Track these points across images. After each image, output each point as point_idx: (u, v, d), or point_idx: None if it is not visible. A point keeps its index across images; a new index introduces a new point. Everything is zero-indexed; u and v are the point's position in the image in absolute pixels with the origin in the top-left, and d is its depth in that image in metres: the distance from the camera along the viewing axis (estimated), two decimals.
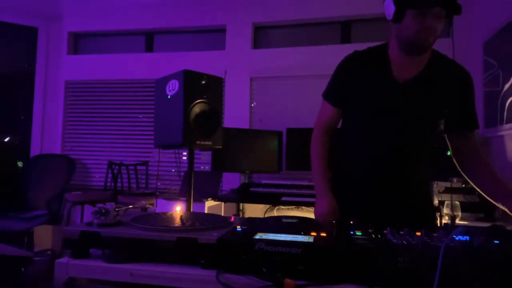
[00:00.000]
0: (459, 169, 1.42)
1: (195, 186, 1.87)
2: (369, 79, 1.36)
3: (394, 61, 1.34)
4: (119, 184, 3.76)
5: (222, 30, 3.87)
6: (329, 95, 1.47)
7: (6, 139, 3.68)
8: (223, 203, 3.08)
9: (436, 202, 2.55)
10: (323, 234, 0.94)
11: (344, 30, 3.66)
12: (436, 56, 1.36)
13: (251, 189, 2.99)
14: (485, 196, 1.34)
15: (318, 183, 1.43)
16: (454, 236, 0.83)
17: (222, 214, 2.72)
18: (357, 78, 1.38)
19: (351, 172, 1.43)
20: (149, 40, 4.17)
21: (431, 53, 1.34)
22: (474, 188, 2.47)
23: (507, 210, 1.24)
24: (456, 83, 1.34)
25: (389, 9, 1.24)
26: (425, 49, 1.28)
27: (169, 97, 1.75)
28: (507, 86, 2.49)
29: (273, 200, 2.91)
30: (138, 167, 3.86)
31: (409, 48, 1.29)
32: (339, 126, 1.52)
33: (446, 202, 2.47)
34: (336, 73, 1.45)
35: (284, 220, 1.11)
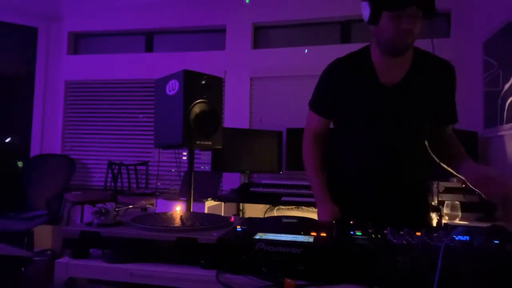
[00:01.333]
0: (436, 159, 1.42)
1: (195, 186, 1.87)
2: (355, 86, 1.35)
3: (377, 65, 1.33)
4: (119, 184, 3.76)
5: (222, 30, 3.87)
6: (314, 106, 1.46)
7: (7, 140, 3.68)
8: (223, 203, 3.08)
9: (436, 202, 2.56)
10: (323, 234, 0.94)
11: (344, 30, 3.66)
12: (419, 54, 1.34)
13: (251, 189, 2.99)
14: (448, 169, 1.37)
15: (317, 191, 1.42)
16: (454, 236, 0.83)
17: (222, 214, 2.72)
18: (342, 86, 1.37)
19: (348, 173, 1.43)
20: (149, 40, 4.17)
21: (413, 52, 1.33)
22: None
23: (464, 178, 1.26)
24: (442, 79, 1.34)
25: (366, 12, 1.24)
26: (403, 51, 1.26)
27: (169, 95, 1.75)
28: (507, 86, 2.49)
29: (273, 200, 2.91)
30: (138, 167, 3.86)
31: (387, 50, 1.28)
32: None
33: (446, 202, 2.47)
34: (320, 82, 1.44)
35: (284, 220, 1.11)
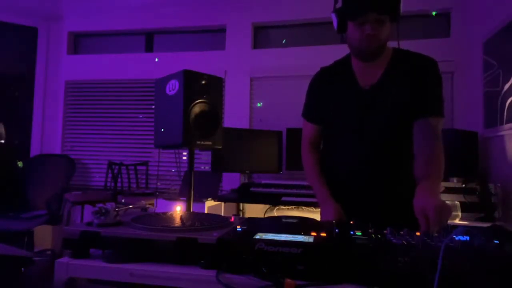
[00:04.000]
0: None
1: (195, 186, 1.87)
2: (338, 92, 1.41)
3: (357, 70, 1.39)
4: (119, 184, 3.76)
5: (222, 30, 3.87)
6: (305, 114, 1.55)
7: (2, 141, 3.64)
8: (223, 203, 3.08)
9: None
10: (323, 234, 0.94)
11: None
12: (397, 54, 1.37)
13: (251, 189, 2.99)
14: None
15: (318, 190, 1.45)
16: (454, 236, 0.83)
17: (222, 214, 2.72)
18: (326, 93, 1.44)
19: (339, 175, 1.45)
20: (149, 40, 4.17)
21: (392, 53, 1.36)
22: (474, 188, 2.45)
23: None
24: (420, 73, 1.31)
25: (334, 22, 1.32)
26: (372, 55, 1.31)
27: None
28: (507, 86, 2.49)
29: (273, 200, 2.91)
30: (138, 167, 3.86)
31: (357, 55, 1.34)
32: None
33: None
34: (308, 92, 1.53)
35: (284, 220, 1.11)
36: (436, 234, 0.92)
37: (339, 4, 1.34)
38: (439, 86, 1.34)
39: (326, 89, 1.45)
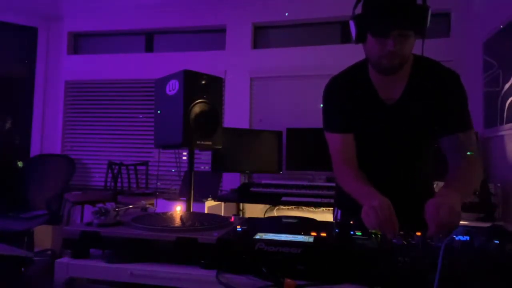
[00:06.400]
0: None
1: (195, 186, 1.87)
2: (356, 102, 1.32)
3: (375, 79, 1.30)
4: (119, 184, 3.76)
5: (222, 30, 3.87)
6: (329, 126, 1.38)
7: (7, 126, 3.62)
8: (223, 203, 3.08)
9: None
10: (323, 234, 0.94)
11: (344, 30, 3.66)
12: (418, 62, 1.29)
13: (251, 189, 2.99)
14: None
15: (360, 190, 1.20)
16: (454, 236, 0.83)
17: (222, 214, 2.72)
18: (348, 102, 1.33)
19: None
20: (149, 40, 4.17)
21: (413, 62, 1.28)
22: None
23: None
24: (444, 90, 1.27)
25: (352, 30, 1.21)
26: (392, 71, 1.21)
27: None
28: (507, 86, 2.49)
29: (273, 200, 2.91)
30: (138, 167, 3.86)
31: (376, 69, 1.25)
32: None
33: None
34: (326, 103, 1.39)
35: (284, 220, 1.11)
36: (440, 236, 0.88)
37: (358, 10, 1.21)
38: (465, 100, 1.31)
39: (347, 98, 1.33)
